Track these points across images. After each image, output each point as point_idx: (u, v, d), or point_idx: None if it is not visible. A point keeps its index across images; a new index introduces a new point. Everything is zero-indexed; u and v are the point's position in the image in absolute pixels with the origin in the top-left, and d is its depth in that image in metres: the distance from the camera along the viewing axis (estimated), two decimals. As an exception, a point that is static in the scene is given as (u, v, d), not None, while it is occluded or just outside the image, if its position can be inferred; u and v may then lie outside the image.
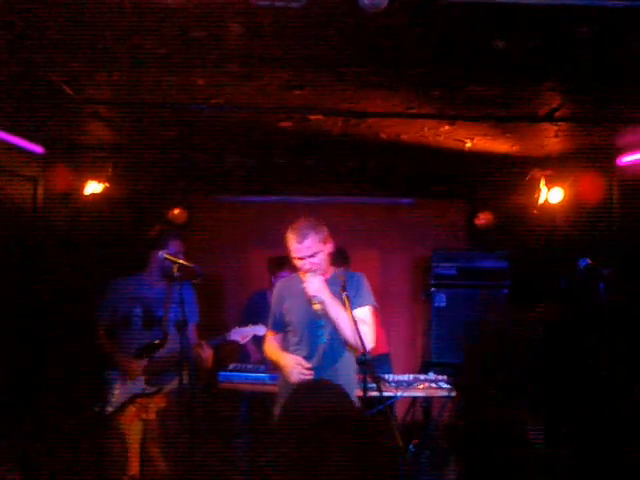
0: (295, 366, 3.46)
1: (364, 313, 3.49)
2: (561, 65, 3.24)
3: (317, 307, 3.42)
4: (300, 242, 3.41)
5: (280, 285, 3.77)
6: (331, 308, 3.40)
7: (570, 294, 4.57)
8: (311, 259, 3.44)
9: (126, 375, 3.84)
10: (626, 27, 2.79)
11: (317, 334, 3.50)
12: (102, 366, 3.88)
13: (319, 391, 2.01)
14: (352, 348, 3.45)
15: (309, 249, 3.42)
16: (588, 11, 2.68)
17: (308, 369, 3.44)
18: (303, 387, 2.13)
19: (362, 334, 3.26)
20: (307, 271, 3.46)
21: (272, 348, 3.70)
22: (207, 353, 3.89)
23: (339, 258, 4.73)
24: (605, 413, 3.95)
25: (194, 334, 4.05)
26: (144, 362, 3.86)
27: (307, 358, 3.48)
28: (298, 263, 3.50)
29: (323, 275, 3.52)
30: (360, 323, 3.32)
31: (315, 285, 3.40)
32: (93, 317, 3.97)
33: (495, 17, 2.77)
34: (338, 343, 3.47)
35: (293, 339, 3.57)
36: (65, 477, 3.85)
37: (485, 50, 3.07)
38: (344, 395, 2.00)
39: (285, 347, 3.63)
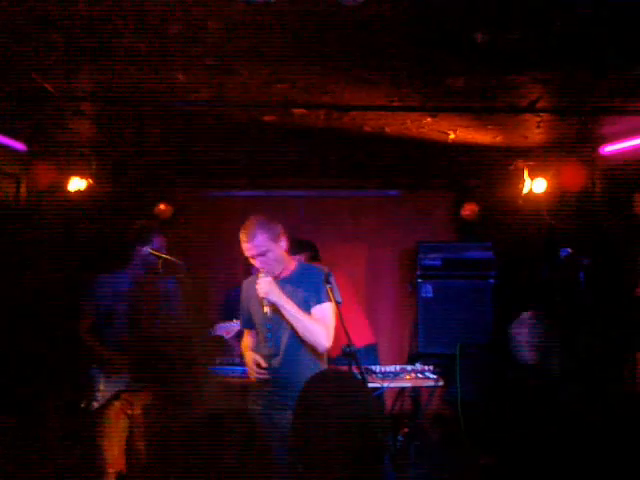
0: (252, 365, 3.44)
1: (322, 311, 3.40)
2: (541, 56, 3.25)
3: (266, 310, 3.36)
4: (248, 241, 3.35)
5: (245, 285, 3.70)
6: (283, 309, 3.33)
7: (552, 283, 4.61)
8: (261, 258, 3.36)
9: (110, 371, 3.84)
10: (607, 17, 2.81)
11: (267, 336, 3.44)
12: (87, 362, 3.88)
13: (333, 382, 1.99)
14: (310, 347, 3.38)
15: (258, 248, 3.34)
16: (567, 4, 2.70)
17: (264, 368, 3.39)
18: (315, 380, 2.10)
19: (317, 333, 3.29)
20: (261, 270, 3.39)
21: (244, 345, 3.70)
22: (193, 348, 3.91)
23: (306, 250, 4.73)
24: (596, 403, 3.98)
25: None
26: (129, 357, 3.87)
27: (272, 357, 3.43)
28: (251, 262, 3.46)
29: (282, 272, 3.47)
30: (317, 322, 3.32)
31: (264, 287, 3.33)
32: (77, 313, 3.96)
33: (475, 9, 2.78)
34: (298, 343, 3.39)
35: (260, 337, 3.53)
36: (52, 473, 3.85)
37: (465, 42, 3.08)
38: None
39: (256, 345, 3.60)
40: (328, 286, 3.33)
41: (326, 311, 3.39)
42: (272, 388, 3.41)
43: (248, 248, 3.37)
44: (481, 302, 5.53)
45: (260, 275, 3.39)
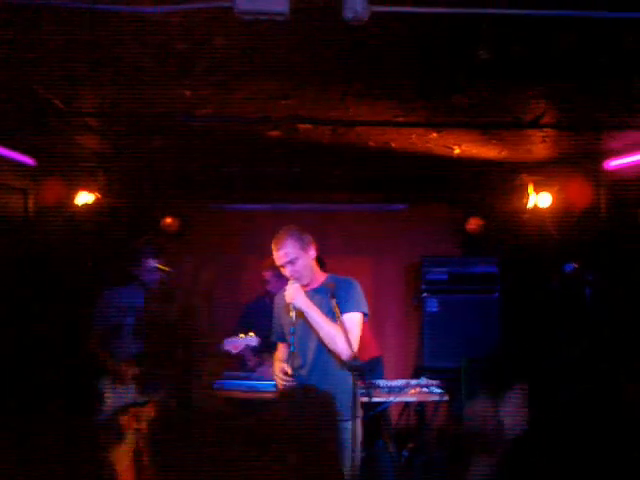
0: (278, 374, 3.49)
1: (349, 319, 3.44)
2: (545, 72, 3.27)
3: (291, 314, 3.44)
4: (278, 249, 3.47)
5: (277, 298, 3.78)
6: (307, 315, 3.42)
7: (558, 297, 4.60)
8: (291, 266, 3.47)
9: (118, 383, 3.86)
10: (609, 36, 2.83)
11: (291, 341, 3.48)
12: (96, 375, 3.89)
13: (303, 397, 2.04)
14: (336, 356, 3.44)
15: (287, 255, 3.45)
16: (571, 20, 2.72)
17: (290, 377, 3.42)
18: (286, 394, 2.16)
19: (339, 341, 3.32)
20: (290, 278, 3.49)
21: (276, 356, 3.75)
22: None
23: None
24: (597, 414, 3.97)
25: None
26: (136, 370, 3.88)
27: (301, 367, 3.49)
28: (282, 271, 3.54)
29: (312, 283, 3.55)
30: (341, 330, 3.34)
31: (291, 293, 3.43)
32: (86, 326, 3.99)
33: (478, 27, 2.80)
34: (325, 352, 3.47)
35: (289, 348, 3.56)
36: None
37: (469, 59, 3.10)
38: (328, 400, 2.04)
39: (287, 355, 3.62)
40: (333, 301, 3.36)
41: (353, 320, 3.47)
42: None
43: (278, 256, 3.49)
44: (486, 316, 5.53)
45: (289, 283, 3.47)
